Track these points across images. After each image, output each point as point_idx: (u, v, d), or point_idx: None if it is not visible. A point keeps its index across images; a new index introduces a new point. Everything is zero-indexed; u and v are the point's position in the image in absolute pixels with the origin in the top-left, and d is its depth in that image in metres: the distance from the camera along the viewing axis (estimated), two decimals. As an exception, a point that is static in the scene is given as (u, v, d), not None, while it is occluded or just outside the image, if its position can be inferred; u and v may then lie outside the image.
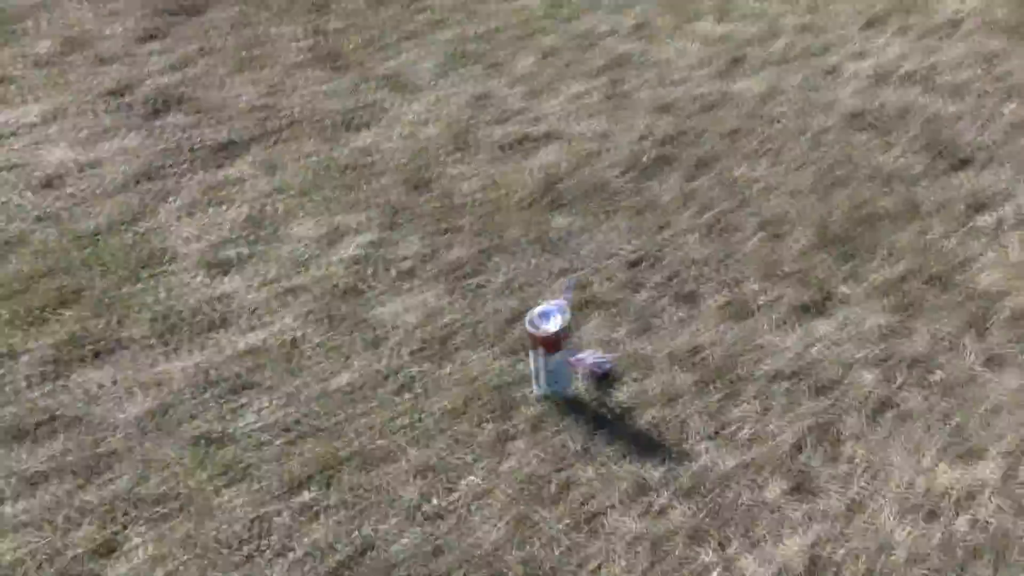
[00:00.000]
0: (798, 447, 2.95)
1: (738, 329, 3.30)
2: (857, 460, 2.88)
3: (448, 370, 3.27)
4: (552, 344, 2.95)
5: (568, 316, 2.95)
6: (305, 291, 3.63)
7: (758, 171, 3.97)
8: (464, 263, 3.69)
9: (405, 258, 3.74)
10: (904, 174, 3.90)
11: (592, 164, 4.09)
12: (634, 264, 3.60)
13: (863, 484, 2.83)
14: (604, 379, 3.17)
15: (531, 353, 3.03)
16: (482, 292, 3.56)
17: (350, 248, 3.80)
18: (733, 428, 3.01)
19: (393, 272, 3.68)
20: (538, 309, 2.97)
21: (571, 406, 3.10)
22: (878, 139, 4.09)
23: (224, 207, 4.08)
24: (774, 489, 2.82)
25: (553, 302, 3.03)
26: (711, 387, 3.12)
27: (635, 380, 3.16)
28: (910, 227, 3.64)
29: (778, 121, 4.22)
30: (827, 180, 3.90)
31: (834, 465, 2.88)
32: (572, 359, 3.12)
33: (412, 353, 3.34)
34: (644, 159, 4.08)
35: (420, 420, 3.09)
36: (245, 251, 3.82)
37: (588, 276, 3.57)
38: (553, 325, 2.91)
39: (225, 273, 3.75)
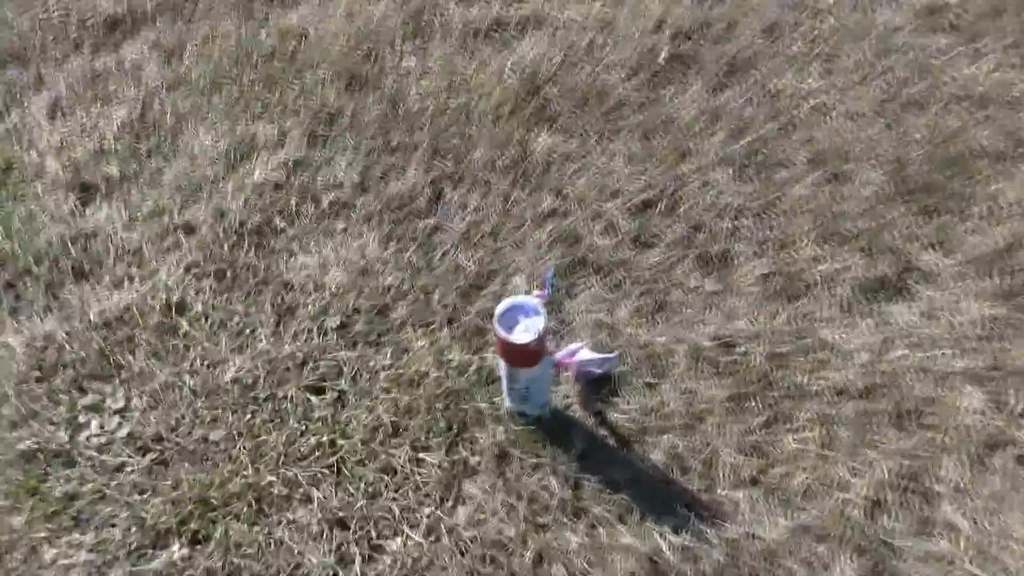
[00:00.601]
0: (876, 503, 2.04)
1: (787, 313, 2.36)
2: (960, 528, 1.98)
3: (384, 359, 2.33)
4: (525, 357, 2.00)
5: (546, 317, 1.99)
6: (195, 231, 2.67)
7: (807, 83, 2.99)
8: (414, 196, 2.73)
9: (335, 186, 2.77)
10: (1004, 95, 2.91)
11: (588, 63, 3.09)
12: (643, 208, 2.65)
13: (970, 569, 1.93)
14: (600, 384, 2.24)
15: (498, 361, 2.09)
16: (437, 241, 2.61)
17: (262, 170, 2.82)
18: (782, 469, 2.10)
19: (317, 207, 2.71)
20: (511, 301, 2.01)
21: (553, 426, 2.19)
22: (963, 45, 3.09)
23: (106, 105, 3.07)
24: (845, 573, 1.93)
25: (535, 293, 2.06)
26: (751, 403, 2.20)
27: (643, 388, 2.24)
28: (1019, 172, 2.67)
29: (830, 14, 3.20)
30: (899, 100, 2.92)
31: (927, 537, 1.99)
32: (557, 357, 2.19)
33: (335, 332, 2.39)
34: (657, 59, 3.07)
35: (340, 439, 2.18)
36: (116, 172, 2.83)
37: (579, 224, 2.60)
38: (527, 330, 1.95)
39: (91, 201, 2.77)
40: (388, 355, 2.36)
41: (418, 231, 2.65)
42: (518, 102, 2.97)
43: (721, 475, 2.11)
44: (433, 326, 2.41)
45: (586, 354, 2.23)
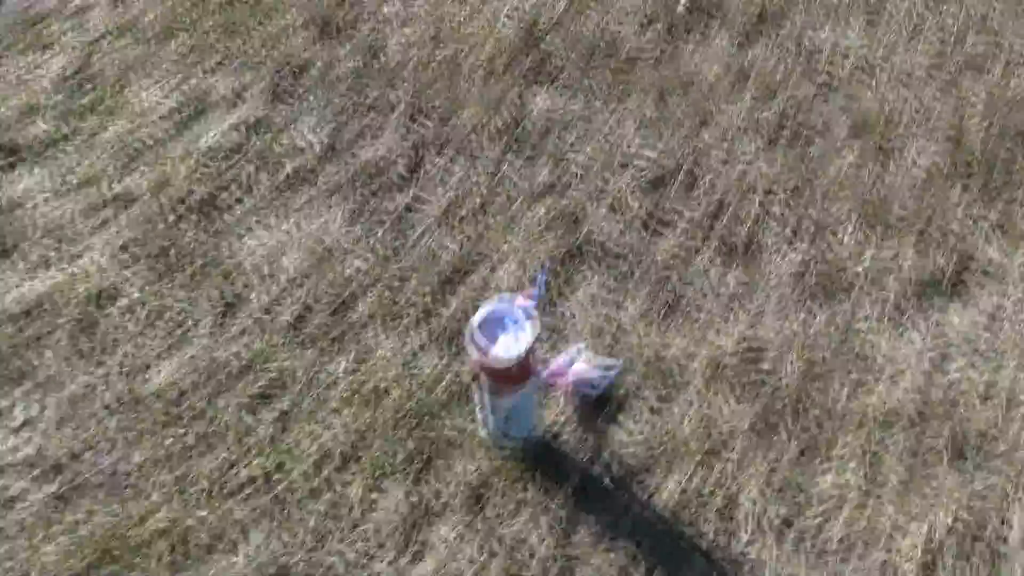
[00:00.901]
0: (930, 560, 1.68)
1: (824, 316, 1.98)
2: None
3: (342, 366, 1.95)
4: (508, 379, 1.62)
5: (537, 328, 1.58)
6: (132, 204, 2.27)
7: (847, 38, 2.57)
8: (389, 165, 2.33)
9: (297, 151, 2.37)
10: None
11: (596, 11, 2.67)
12: (657, 183, 2.26)
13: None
14: (599, 404, 1.87)
15: (474, 384, 1.70)
16: (412, 218, 2.21)
17: (215, 131, 2.42)
18: (817, 514, 1.73)
19: (276, 176, 2.32)
20: (487, 309, 1.62)
21: (541, 456, 1.82)
22: (1030, -7, 2.68)
23: (42, 54, 2.67)
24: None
25: (520, 297, 1.66)
26: (780, 430, 1.82)
27: (653, 409, 1.86)
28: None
29: (874, -44, 2.78)
30: (955, 59, 2.50)
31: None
32: (547, 374, 1.81)
33: (287, 329, 2.01)
34: (676, 7, 2.65)
35: (282, 468, 1.81)
36: (47, 132, 2.44)
37: (581, 202, 2.20)
38: (508, 347, 1.56)
39: (16, 166, 2.38)
40: (347, 360, 1.97)
41: (392, 207, 2.25)
42: (514, 55, 2.56)
43: (744, 520, 1.74)
44: (403, 325, 2.03)
45: (584, 366, 1.85)
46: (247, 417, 1.90)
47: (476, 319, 1.60)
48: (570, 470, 1.80)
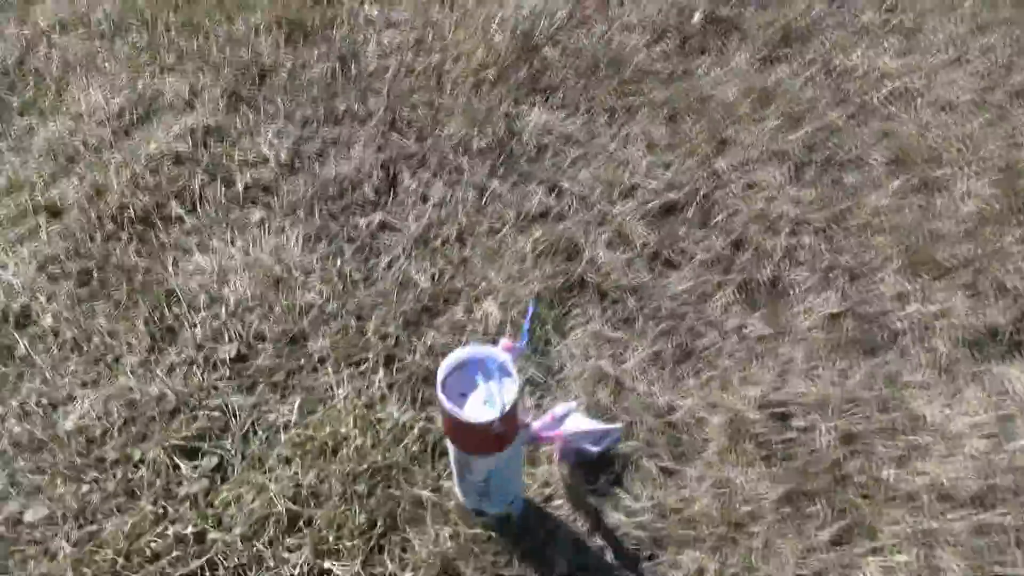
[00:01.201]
0: None
1: (864, 372, 1.66)
2: None
3: (290, 413, 1.63)
4: (485, 441, 1.29)
5: (518, 386, 1.25)
6: (61, 215, 1.96)
7: (882, 61, 2.27)
8: (357, 182, 2.02)
9: (254, 163, 2.06)
10: None
11: (601, 21, 2.37)
12: (667, 213, 1.95)
13: None
14: (597, 469, 1.55)
15: (449, 443, 1.37)
16: (381, 243, 1.90)
17: (162, 138, 2.10)
18: None
19: (229, 189, 2.01)
20: (465, 353, 1.28)
21: (527, 531, 1.51)
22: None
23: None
24: None
25: (502, 343, 1.33)
26: (814, 507, 1.50)
27: (660, 476, 1.54)
28: None
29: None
30: (1003, 88, 2.21)
31: None
32: (537, 427, 1.47)
33: (228, 366, 1.69)
34: (690, 21, 2.37)
35: (213, 532, 1.50)
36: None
37: (578, 230, 1.90)
38: (488, 402, 1.23)
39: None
40: (296, 407, 1.64)
41: (359, 229, 1.94)
42: (506, 66, 2.26)
43: (771, 619, 1.40)
44: (364, 366, 1.70)
45: (579, 423, 1.52)
46: (176, 466, 1.57)
47: (444, 370, 1.27)
48: (560, 548, 1.47)
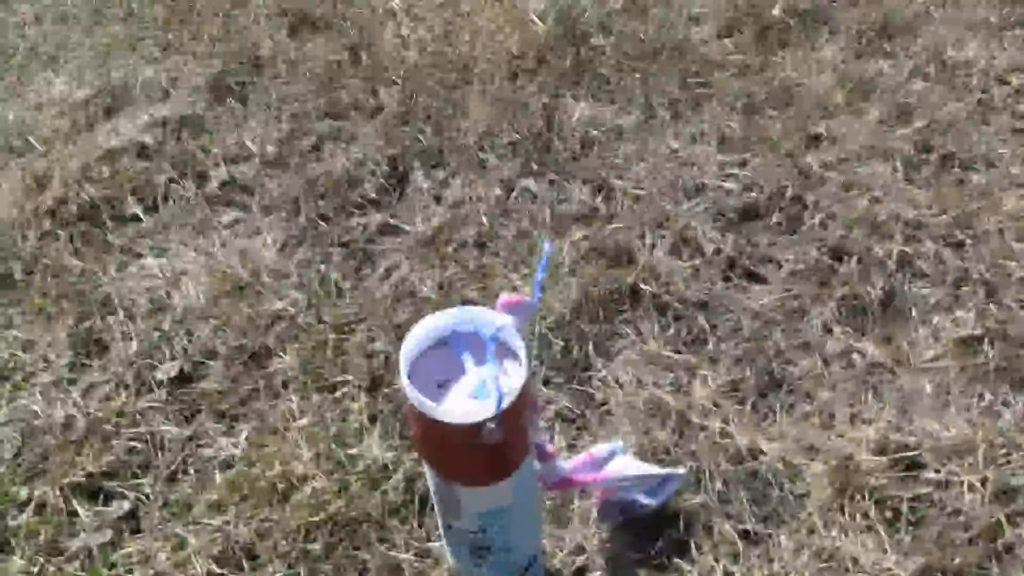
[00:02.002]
0: None
1: (1020, 413, 1.19)
2: None
3: (235, 446, 1.19)
4: (475, 460, 0.83)
5: (526, 366, 0.79)
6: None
7: (1007, 50, 1.84)
8: (356, 179, 1.61)
9: (235, 159, 1.66)
10: None
11: (659, 6, 1.97)
12: (745, 216, 1.53)
13: None
14: (649, 527, 1.09)
15: (426, 470, 0.92)
16: (379, 248, 1.49)
17: (127, 129, 1.72)
18: None
19: (201, 187, 1.63)
20: (442, 323, 0.83)
21: None
22: None
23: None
24: None
25: (501, 302, 0.87)
26: (968, 592, 1.03)
27: (736, 546, 1.08)
28: None
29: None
30: None
31: None
32: (569, 468, 1.02)
33: (167, 386, 1.27)
34: (770, 10, 1.95)
35: None
36: None
37: (631, 234, 1.46)
38: (480, 394, 0.78)
39: None
40: (243, 438, 1.21)
41: (354, 231, 1.53)
42: (546, 54, 1.85)
43: None
44: (341, 392, 1.27)
45: (627, 466, 1.07)
46: (75, 510, 1.15)
47: (413, 346, 0.83)
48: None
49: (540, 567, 1.02)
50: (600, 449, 1.09)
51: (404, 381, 0.80)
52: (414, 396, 0.78)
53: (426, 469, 0.90)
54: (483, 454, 0.81)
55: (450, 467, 0.85)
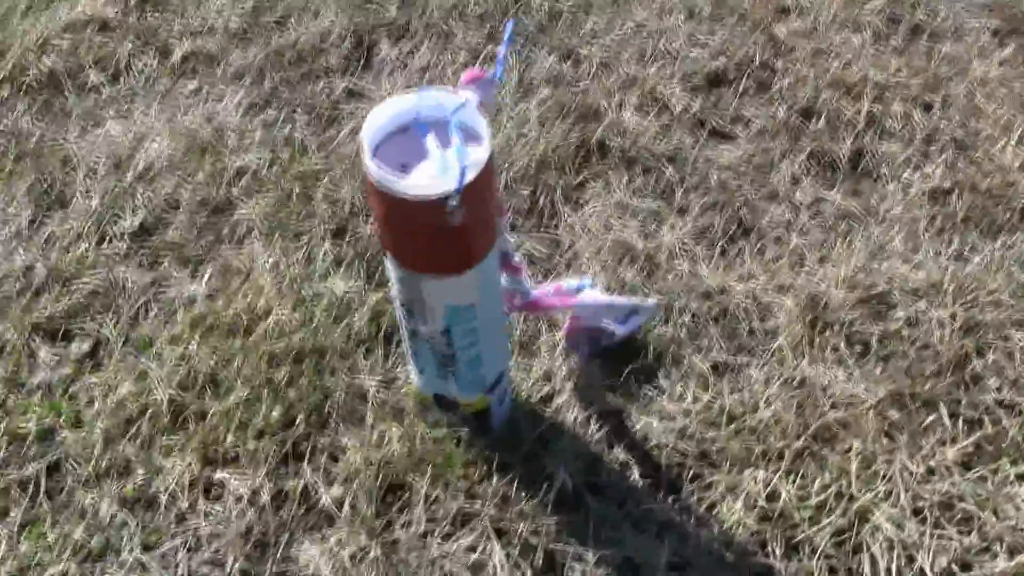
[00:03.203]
0: None
1: (988, 258, 1.19)
2: None
3: (198, 287, 1.17)
4: (445, 245, 0.81)
5: (488, 144, 0.78)
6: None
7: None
8: (321, 50, 1.59)
9: (199, 32, 1.64)
10: None
11: None
12: (715, 81, 1.54)
13: None
14: (620, 357, 1.08)
15: (388, 263, 0.90)
16: (345, 110, 1.47)
17: (87, 5, 1.69)
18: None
19: (164, 60, 1.60)
20: (405, 106, 0.80)
21: (509, 439, 1.01)
22: None
23: None
24: None
25: (467, 76, 0.84)
26: (937, 423, 1.03)
27: (707, 377, 1.07)
28: None
29: None
30: None
31: None
32: (537, 294, 1.00)
33: (129, 238, 1.25)
34: None
35: (75, 427, 1.02)
36: None
37: (598, 93, 1.46)
38: (444, 170, 0.75)
39: None
40: (207, 279, 1.19)
41: (319, 95, 1.50)
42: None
43: (872, 562, 0.93)
44: (306, 238, 1.25)
45: (595, 296, 1.05)
46: (36, 349, 1.12)
47: (376, 128, 0.81)
48: (564, 457, 1.00)
49: (507, 387, 1.00)
50: (568, 282, 1.07)
51: (367, 158, 0.78)
52: (377, 173, 0.76)
53: (391, 269, 0.88)
54: (446, 237, 0.79)
55: (414, 253, 0.83)
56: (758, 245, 1.25)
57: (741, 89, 1.50)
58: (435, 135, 0.79)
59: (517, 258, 0.95)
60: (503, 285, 0.97)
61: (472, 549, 0.94)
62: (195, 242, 1.27)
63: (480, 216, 0.79)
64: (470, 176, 0.74)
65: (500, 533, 0.95)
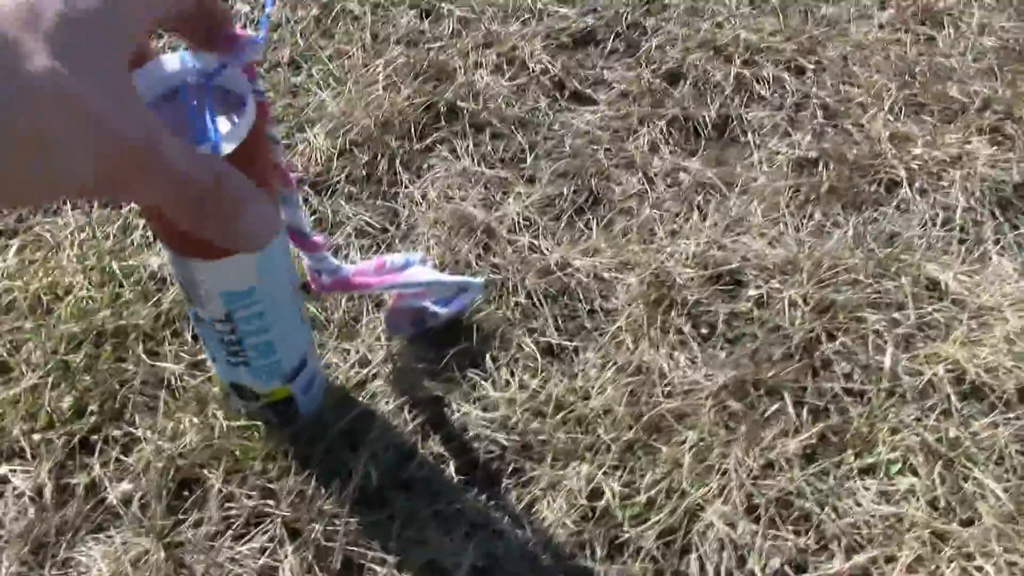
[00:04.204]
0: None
1: (849, 233, 1.13)
2: None
3: (8, 265, 1.07)
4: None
5: (252, 111, 0.67)
6: None
7: None
8: None
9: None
10: None
11: None
12: (580, 42, 1.47)
13: None
14: (442, 340, 0.99)
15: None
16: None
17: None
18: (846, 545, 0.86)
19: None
20: (165, 70, 0.70)
21: (319, 433, 0.92)
22: None
23: None
24: None
25: (219, 42, 0.74)
26: (781, 412, 0.96)
27: (537, 362, 0.99)
28: None
29: None
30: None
31: None
32: (352, 271, 0.91)
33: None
34: None
35: None
36: None
37: (453, 53, 1.37)
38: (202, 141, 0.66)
39: None
40: (12, 254, 1.09)
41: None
42: None
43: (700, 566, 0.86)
44: (126, 207, 1.15)
45: (419, 273, 0.96)
46: None
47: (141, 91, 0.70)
48: (373, 447, 0.91)
49: (315, 375, 0.92)
50: (394, 258, 0.99)
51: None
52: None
53: (164, 251, 0.78)
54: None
55: (178, 234, 0.73)
56: (607, 217, 1.17)
57: (608, 49, 1.42)
58: (200, 101, 0.69)
59: (319, 238, 0.85)
60: (307, 264, 0.88)
61: (263, 552, 0.85)
62: (6, 214, 1.16)
63: (260, 168, 0.69)
64: (229, 146, 0.64)
65: (296, 534, 0.86)
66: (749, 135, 1.29)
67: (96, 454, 0.93)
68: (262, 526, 0.87)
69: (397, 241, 1.13)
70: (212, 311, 0.78)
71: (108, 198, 0.44)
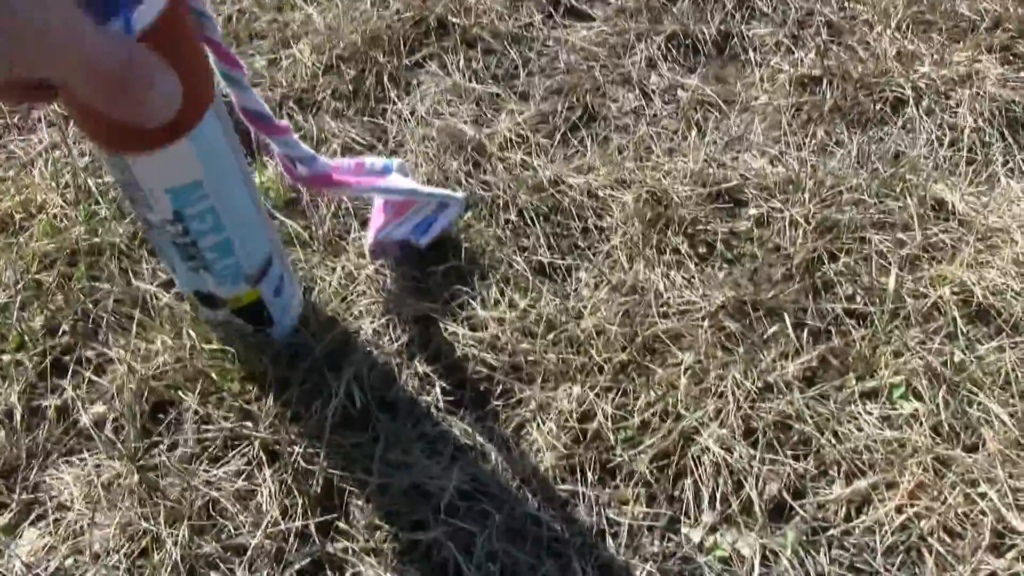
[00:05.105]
0: None
1: (853, 152, 1.09)
2: None
3: None
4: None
5: None
6: None
7: None
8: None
9: None
10: None
11: None
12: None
13: None
14: (428, 259, 0.96)
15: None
16: None
17: None
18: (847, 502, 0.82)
19: None
20: None
21: (298, 352, 0.88)
22: None
23: None
24: None
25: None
26: (780, 334, 0.93)
27: (528, 281, 0.95)
28: None
29: None
30: None
31: None
32: (333, 164, 0.87)
33: None
34: None
35: None
36: None
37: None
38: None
39: None
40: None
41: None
42: None
43: (691, 495, 0.83)
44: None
45: (400, 182, 0.92)
46: None
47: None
48: (357, 367, 0.88)
49: (286, 276, 0.87)
50: (374, 160, 0.94)
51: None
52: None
53: (99, 153, 0.73)
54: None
55: (100, 124, 0.68)
56: (603, 134, 1.12)
57: (604, -34, 1.37)
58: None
59: (283, 123, 0.81)
60: (277, 152, 0.83)
61: (240, 475, 0.82)
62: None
63: (180, 70, 0.63)
64: (144, 20, 0.59)
65: (275, 456, 0.83)
66: (750, 52, 1.24)
67: (68, 376, 0.89)
68: (239, 448, 0.84)
69: (385, 157, 1.08)
70: (159, 213, 0.74)
71: (25, 75, 0.41)
